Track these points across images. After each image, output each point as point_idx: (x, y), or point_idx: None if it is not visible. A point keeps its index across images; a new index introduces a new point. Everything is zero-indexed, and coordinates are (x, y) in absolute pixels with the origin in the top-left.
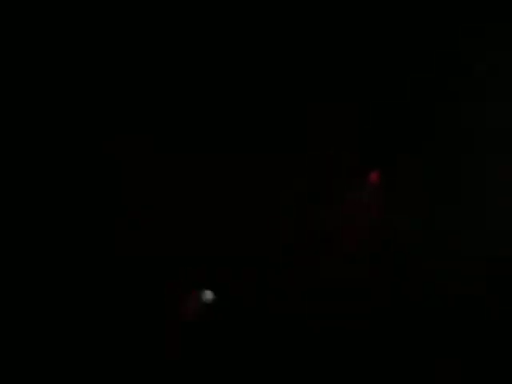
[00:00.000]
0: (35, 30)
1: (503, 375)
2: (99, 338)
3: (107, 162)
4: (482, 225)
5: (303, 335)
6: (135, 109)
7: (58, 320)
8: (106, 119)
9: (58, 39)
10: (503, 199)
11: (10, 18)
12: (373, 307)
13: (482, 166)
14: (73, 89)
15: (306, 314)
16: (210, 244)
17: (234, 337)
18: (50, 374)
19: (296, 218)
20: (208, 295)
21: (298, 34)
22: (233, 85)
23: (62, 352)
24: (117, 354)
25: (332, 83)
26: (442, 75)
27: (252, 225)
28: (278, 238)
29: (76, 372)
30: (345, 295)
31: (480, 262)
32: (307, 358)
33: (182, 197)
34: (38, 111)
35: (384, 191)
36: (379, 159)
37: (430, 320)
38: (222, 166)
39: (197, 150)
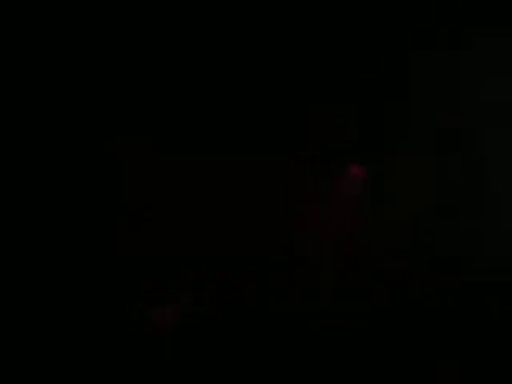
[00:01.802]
0: (35, 29)
1: (503, 375)
2: (98, 337)
3: (107, 162)
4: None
5: (303, 335)
6: (135, 109)
7: (57, 319)
8: (106, 119)
9: (58, 39)
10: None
11: (10, 17)
12: (373, 307)
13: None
14: (73, 89)
15: (305, 314)
16: (209, 244)
17: (233, 337)
18: (49, 374)
19: (296, 218)
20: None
21: (297, 33)
22: (232, 85)
23: (60, 351)
24: (116, 353)
25: (332, 83)
26: (441, 76)
27: (252, 225)
28: (278, 238)
29: (74, 372)
30: (345, 295)
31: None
32: (307, 357)
33: (182, 197)
34: (38, 111)
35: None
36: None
37: (430, 320)
38: (222, 165)
39: (197, 149)
